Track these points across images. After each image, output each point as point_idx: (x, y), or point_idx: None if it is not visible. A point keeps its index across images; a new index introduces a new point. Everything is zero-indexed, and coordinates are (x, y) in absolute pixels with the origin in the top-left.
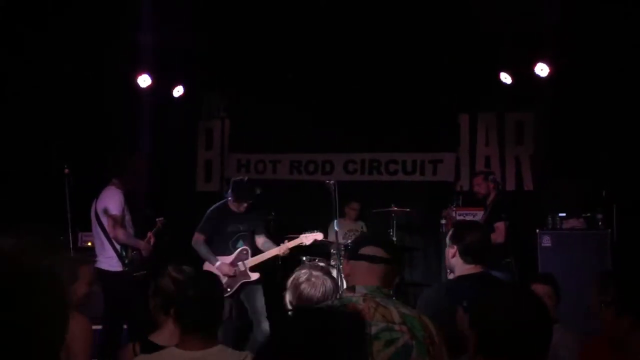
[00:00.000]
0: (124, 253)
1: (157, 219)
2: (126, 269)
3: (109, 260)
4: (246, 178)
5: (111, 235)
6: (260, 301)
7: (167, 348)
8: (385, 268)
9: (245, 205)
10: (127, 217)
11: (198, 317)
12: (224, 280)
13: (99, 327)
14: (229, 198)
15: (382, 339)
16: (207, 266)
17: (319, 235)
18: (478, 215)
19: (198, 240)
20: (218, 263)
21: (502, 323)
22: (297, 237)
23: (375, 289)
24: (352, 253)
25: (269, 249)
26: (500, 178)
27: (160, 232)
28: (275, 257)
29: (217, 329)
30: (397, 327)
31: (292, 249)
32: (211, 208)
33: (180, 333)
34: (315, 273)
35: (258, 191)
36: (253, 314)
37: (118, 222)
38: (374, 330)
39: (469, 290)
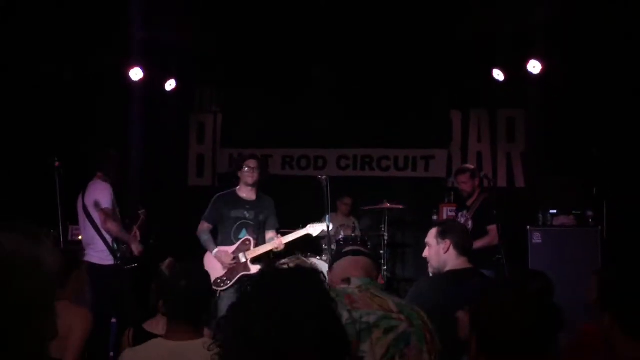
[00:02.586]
0: (115, 246)
1: (139, 211)
2: (118, 262)
3: (99, 254)
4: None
5: (104, 228)
6: None
7: (153, 339)
8: (368, 261)
9: (249, 174)
10: (117, 211)
11: (185, 311)
12: (222, 272)
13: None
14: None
15: (381, 327)
16: (207, 257)
17: (325, 226)
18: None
19: (202, 228)
20: (215, 250)
21: (504, 324)
22: (300, 229)
23: (368, 282)
24: (335, 256)
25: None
26: (491, 175)
27: (144, 224)
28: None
29: (204, 322)
30: (394, 316)
31: (287, 243)
32: (217, 195)
33: (168, 324)
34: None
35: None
36: None
37: (110, 215)
38: (372, 318)
39: (471, 288)
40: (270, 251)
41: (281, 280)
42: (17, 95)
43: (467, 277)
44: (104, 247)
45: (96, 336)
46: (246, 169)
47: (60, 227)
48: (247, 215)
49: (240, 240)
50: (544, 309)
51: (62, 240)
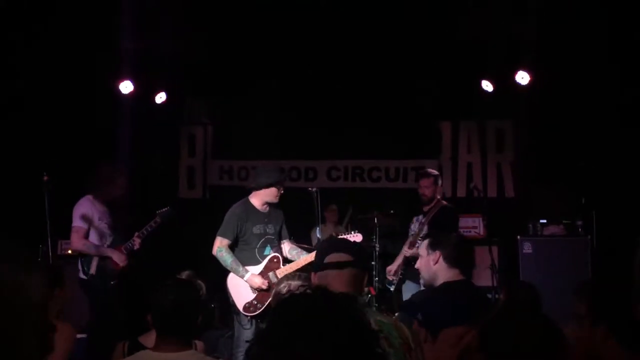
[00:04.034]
0: (85, 266)
1: (157, 211)
2: (89, 279)
3: (80, 268)
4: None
5: (70, 245)
6: None
7: (141, 351)
8: (353, 272)
9: (280, 192)
10: (102, 226)
11: (172, 327)
12: (254, 294)
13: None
14: (253, 191)
15: None
16: (232, 279)
17: (358, 237)
18: (460, 221)
19: (222, 246)
20: (248, 275)
21: (515, 347)
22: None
23: None
24: (317, 264)
25: (297, 256)
26: (482, 185)
27: (161, 225)
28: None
29: (192, 334)
30: (382, 342)
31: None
32: (232, 207)
33: (156, 337)
34: (294, 283)
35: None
36: None
37: (74, 232)
38: None
39: (464, 302)
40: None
41: (323, 304)
42: (5, 109)
43: (460, 289)
44: (80, 262)
45: (91, 349)
46: (280, 189)
47: (49, 242)
48: (268, 230)
49: (268, 258)
50: (552, 327)
51: (50, 254)
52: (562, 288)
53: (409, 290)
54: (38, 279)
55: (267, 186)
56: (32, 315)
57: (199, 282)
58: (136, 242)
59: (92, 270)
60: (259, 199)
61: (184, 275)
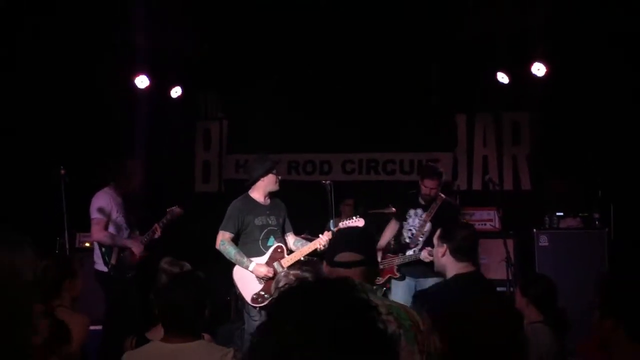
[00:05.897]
0: (106, 256)
1: (168, 209)
2: (109, 270)
3: (99, 261)
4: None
5: (91, 238)
6: None
7: (151, 342)
8: (362, 270)
9: (278, 178)
10: (119, 218)
11: (179, 322)
12: (261, 285)
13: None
14: (252, 187)
15: None
16: (237, 272)
17: (360, 222)
18: (475, 214)
19: (224, 239)
20: (253, 265)
21: (475, 333)
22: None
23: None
24: (328, 259)
25: (302, 247)
26: (497, 178)
27: (171, 222)
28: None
29: (199, 325)
30: (384, 317)
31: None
32: (233, 202)
33: (164, 331)
34: (293, 272)
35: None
36: None
37: (95, 224)
38: None
39: (465, 291)
40: (315, 250)
41: (318, 292)
42: (23, 103)
43: (471, 281)
44: (99, 254)
45: (105, 342)
46: (277, 174)
47: (66, 235)
48: (270, 222)
49: (272, 249)
50: (515, 317)
51: (67, 247)
52: (578, 281)
53: (399, 286)
54: (27, 257)
55: (264, 175)
56: (24, 293)
57: (183, 262)
58: (157, 231)
59: (113, 260)
60: (259, 192)
61: (164, 262)
